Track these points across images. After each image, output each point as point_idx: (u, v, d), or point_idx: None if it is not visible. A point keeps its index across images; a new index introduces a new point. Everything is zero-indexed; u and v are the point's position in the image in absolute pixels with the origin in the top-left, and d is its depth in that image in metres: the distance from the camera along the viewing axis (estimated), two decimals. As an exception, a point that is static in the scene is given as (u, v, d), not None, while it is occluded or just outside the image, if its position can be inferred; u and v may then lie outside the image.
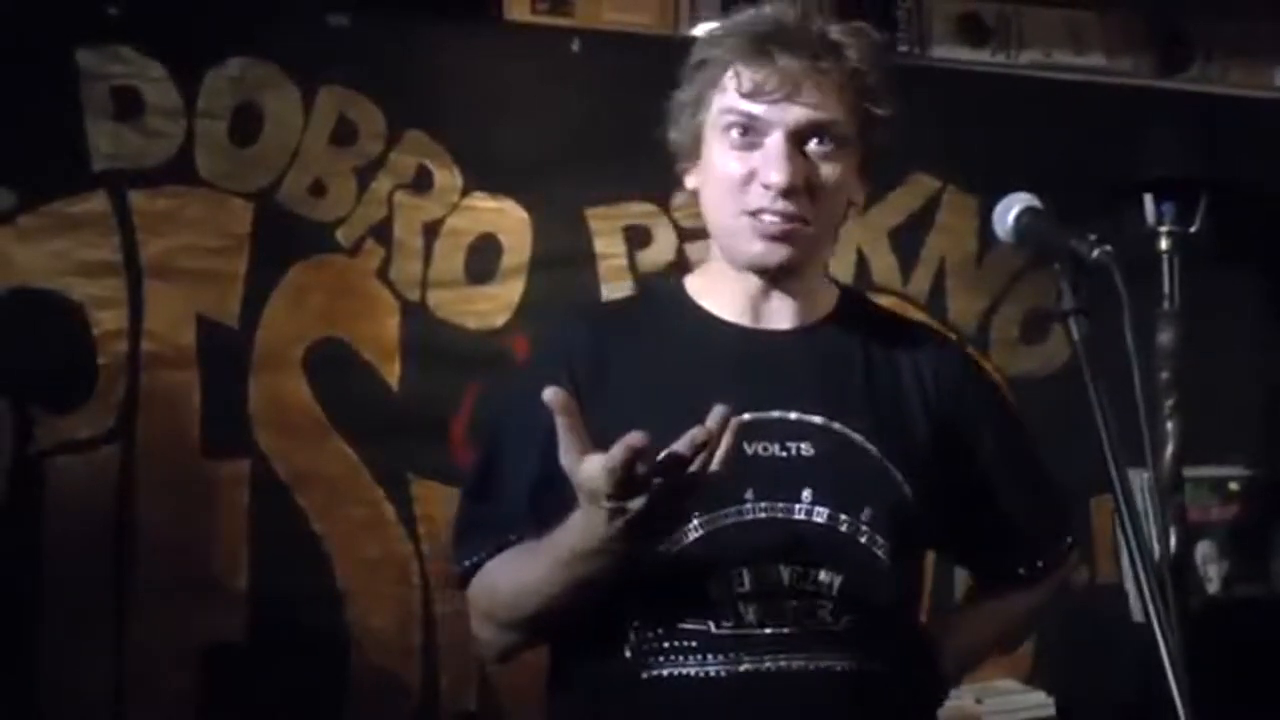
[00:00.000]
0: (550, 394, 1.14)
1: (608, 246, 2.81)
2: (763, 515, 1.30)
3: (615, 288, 2.79)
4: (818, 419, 1.35)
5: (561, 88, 2.77)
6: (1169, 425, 2.92)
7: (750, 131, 1.33)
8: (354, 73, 2.63)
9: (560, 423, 1.14)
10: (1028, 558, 1.51)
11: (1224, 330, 3.15)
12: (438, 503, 2.61)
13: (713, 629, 1.28)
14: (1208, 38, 3.37)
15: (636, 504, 1.13)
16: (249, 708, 2.48)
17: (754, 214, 1.33)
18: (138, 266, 2.49)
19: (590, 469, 1.13)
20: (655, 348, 1.40)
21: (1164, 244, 2.99)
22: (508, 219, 2.74)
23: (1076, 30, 3.28)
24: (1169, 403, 2.92)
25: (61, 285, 2.44)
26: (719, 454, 1.12)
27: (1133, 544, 1.10)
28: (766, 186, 1.31)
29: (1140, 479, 1.40)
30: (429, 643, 2.63)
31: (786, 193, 1.31)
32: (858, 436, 1.35)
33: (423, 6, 2.67)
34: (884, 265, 3.03)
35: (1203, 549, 3.18)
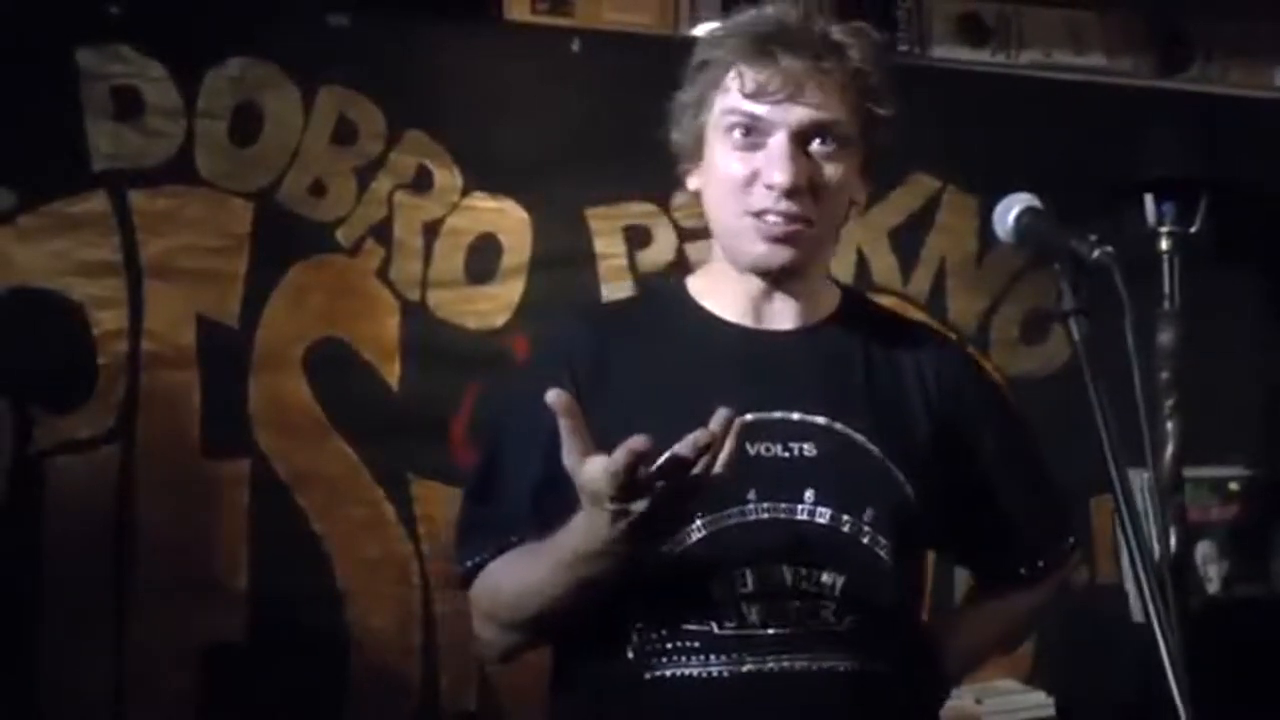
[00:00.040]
0: (553, 396, 1.14)
1: (608, 246, 2.81)
2: (765, 516, 1.30)
3: (615, 288, 2.79)
4: (820, 419, 1.35)
5: (561, 88, 2.77)
6: (1169, 425, 2.92)
7: (753, 132, 1.33)
8: (354, 73, 2.63)
9: (563, 424, 1.14)
10: (1029, 557, 1.51)
11: (1224, 330, 3.15)
12: (438, 503, 2.61)
13: (715, 629, 1.28)
14: (1208, 38, 3.37)
15: (639, 506, 1.13)
16: (249, 708, 2.48)
17: (757, 215, 1.33)
18: (138, 266, 2.49)
19: (593, 471, 1.13)
20: (657, 348, 1.40)
21: (1164, 244, 2.99)
22: (508, 219, 2.74)
23: (1076, 30, 3.28)
24: (1169, 403, 2.92)
25: (61, 285, 2.44)
26: (722, 456, 1.12)
27: (1133, 544, 1.10)
28: (770, 187, 1.31)
29: (1140, 479, 1.40)
30: (429, 643, 2.63)
31: (790, 193, 1.31)
32: (860, 437, 1.35)
33: (423, 6, 2.67)
34: (884, 265, 3.03)
35: (1203, 549, 3.18)
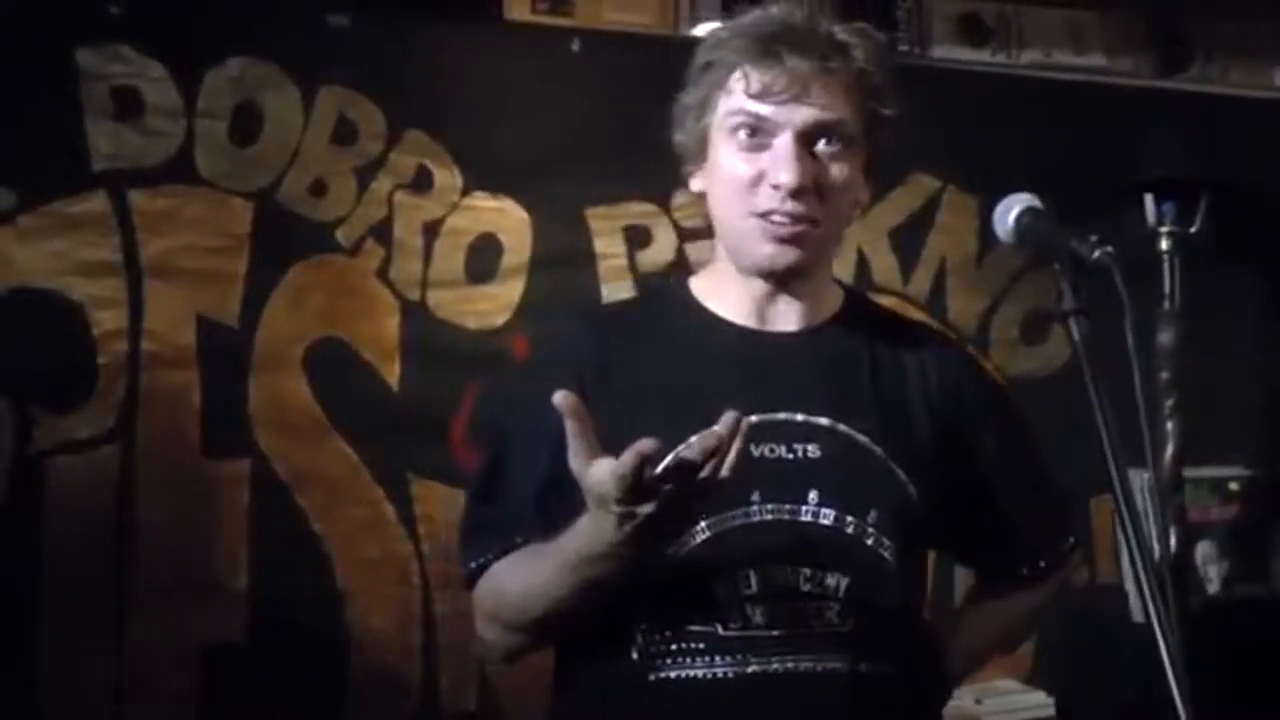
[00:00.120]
0: (560, 398, 1.14)
1: (608, 246, 2.81)
2: (769, 517, 1.30)
3: (615, 288, 2.79)
4: (824, 420, 1.35)
5: (561, 88, 2.77)
6: (1169, 425, 2.92)
7: (758, 133, 1.33)
8: (354, 73, 2.63)
9: (570, 427, 1.14)
10: (1030, 557, 1.52)
11: (1224, 330, 3.15)
12: (438, 503, 2.61)
13: (720, 631, 1.28)
14: (1208, 38, 3.37)
15: (646, 509, 1.13)
16: (249, 708, 2.48)
17: (763, 215, 1.33)
18: (138, 266, 2.49)
19: (599, 474, 1.12)
20: (660, 350, 1.40)
21: (1164, 244, 2.99)
22: (508, 219, 2.74)
23: (1076, 30, 3.28)
24: (1169, 403, 2.92)
25: (61, 285, 2.44)
26: (729, 459, 1.12)
27: (1133, 544, 1.10)
28: (776, 187, 1.31)
29: (1140, 479, 1.40)
30: (429, 643, 2.63)
31: (796, 193, 1.31)
32: (863, 438, 1.35)
33: (423, 6, 2.67)
34: (884, 265, 3.03)
35: (1203, 549, 3.18)
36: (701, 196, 1.42)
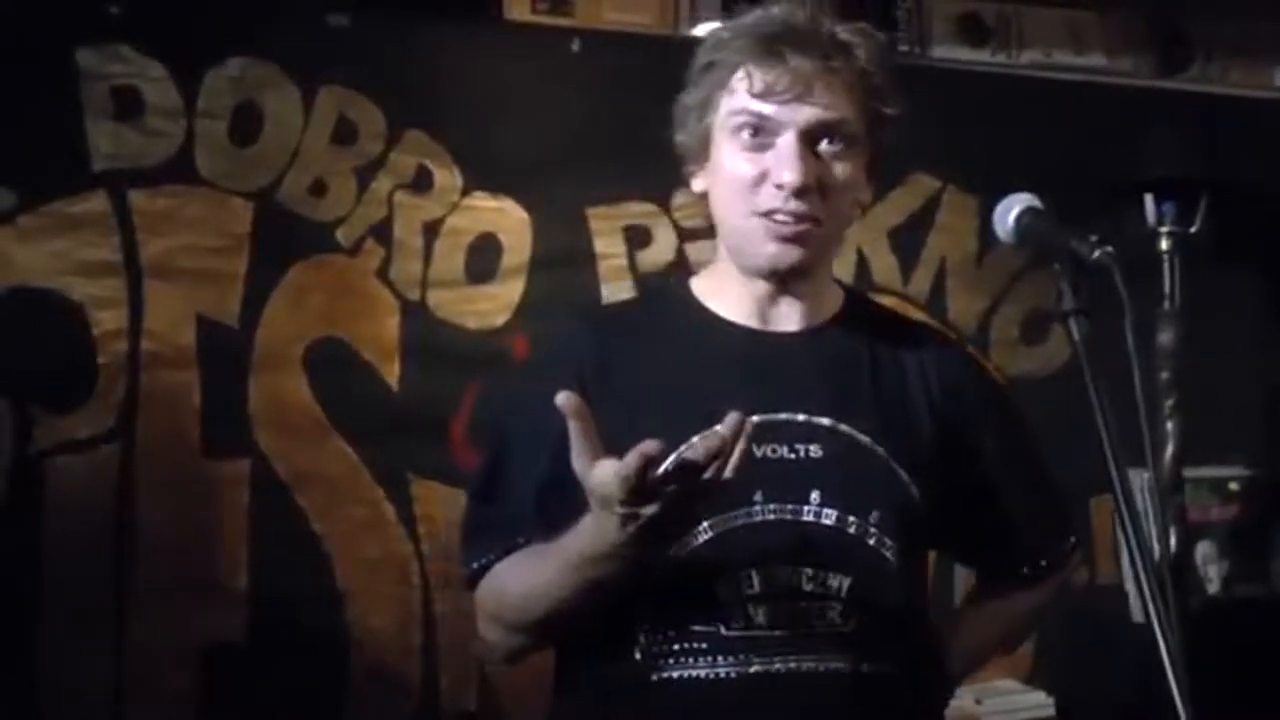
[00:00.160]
0: (563, 398, 1.14)
1: (608, 246, 2.81)
2: (771, 517, 1.31)
3: (615, 288, 2.79)
4: (825, 421, 1.35)
5: (561, 88, 2.77)
6: (1169, 425, 2.92)
7: (761, 132, 1.33)
8: (354, 73, 2.63)
9: (573, 428, 1.14)
10: (1031, 557, 1.52)
11: (1224, 330, 3.15)
12: (438, 503, 2.62)
13: (723, 631, 1.28)
14: (1208, 38, 3.37)
15: (649, 510, 1.13)
16: (249, 708, 2.48)
17: (766, 215, 1.33)
18: (138, 266, 2.49)
19: (603, 475, 1.12)
20: (661, 350, 1.40)
21: (1164, 244, 2.99)
22: (508, 219, 2.74)
23: (1076, 30, 3.28)
24: (1169, 403, 2.92)
25: (61, 285, 2.44)
26: (733, 460, 1.12)
27: (1133, 544, 1.10)
28: (779, 186, 1.31)
29: (1140, 479, 1.40)
30: (429, 642, 2.63)
31: (800, 192, 1.31)
32: (865, 438, 1.35)
33: (423, 6, 2.67)
34: (884, 265, 3.03)
35: (1203, 549, 3.18)
36: (703, 197, 1.41)
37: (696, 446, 1.10)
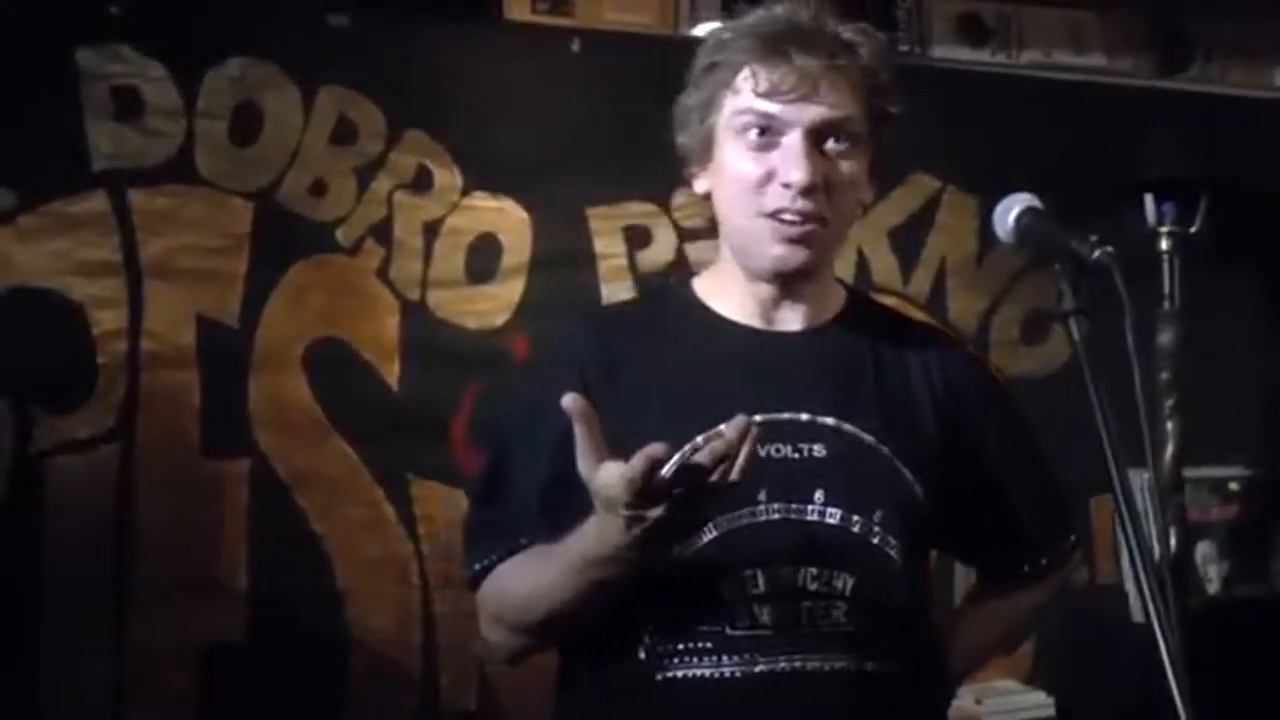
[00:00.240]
0: (569, 400, 1.14)
1: (608, 246, 2.81)
2: (776, 517, 1.30)
3: (615, 288, 2.79)
4: (829, 420, 1.35)
5: (561, 88, 2.77)
6: (1169, 425, 2.92)
7: (767, 131, 1.32)
8: (354, 73, 2.63)
9: (579, 430, 1.14)
10: (1032, 555, 1.52)
11: (1224, 330, 3.15)
12: (438, 503, 2.62)
13: (728, 630, 1.28)
14: (1208, 38, 3.37)
15: (655, 513, 1.13)
16: (249, 708, 2.48)
17: (773, 215, 1.32)
18: (138, 266, 2.49)
19: (608, 477, 1.12)
20: (664, 350, 1.39)
21: (1164, 244, 2.99)
22: (508, 219, 2.74)
23: (1076, 30, 3.28)
24: (1169, 403, 2.92)
25: (61, 285, 2.44)
26: (739, 463, 1.12)
27: (1133, 544, 1.10)
28: (786, 185, 1.31)
29: (1140, 479, 1.40)
30: (429, 642, 2.63)
31: (807, 191, 1.30)
32: (869, 437, 1.35)
33: (423, 6, 2.67)
34: (884, 265, 3.03)
35: (1203, 549, 3.18)
36: (706, 198, 1.41)
37: (703, 449, 1.10)
